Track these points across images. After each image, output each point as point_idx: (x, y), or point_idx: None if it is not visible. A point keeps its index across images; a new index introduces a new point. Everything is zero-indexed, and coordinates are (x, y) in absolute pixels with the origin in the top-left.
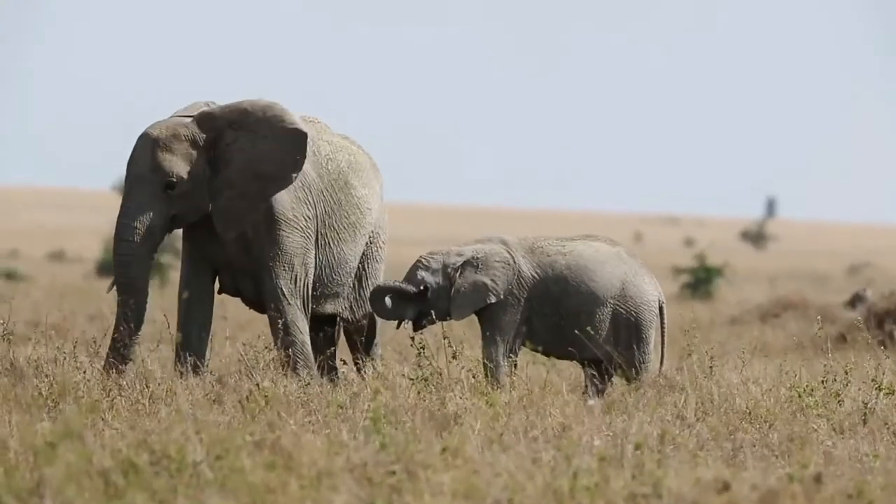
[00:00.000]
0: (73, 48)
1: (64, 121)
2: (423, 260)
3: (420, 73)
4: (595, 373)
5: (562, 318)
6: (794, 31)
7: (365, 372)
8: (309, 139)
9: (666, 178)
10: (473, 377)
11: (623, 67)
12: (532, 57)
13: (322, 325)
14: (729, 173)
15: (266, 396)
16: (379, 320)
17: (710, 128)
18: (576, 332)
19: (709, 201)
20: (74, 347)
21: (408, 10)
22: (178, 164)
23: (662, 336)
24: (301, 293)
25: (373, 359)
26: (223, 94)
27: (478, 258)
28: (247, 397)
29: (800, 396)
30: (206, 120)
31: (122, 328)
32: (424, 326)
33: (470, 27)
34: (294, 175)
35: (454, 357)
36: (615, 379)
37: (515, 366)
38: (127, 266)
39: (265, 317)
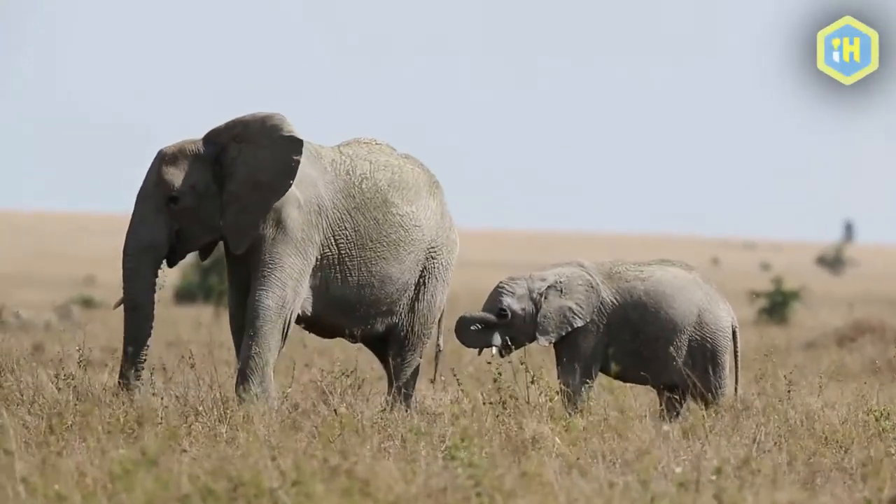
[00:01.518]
0: (138, 85)
1: (138, 148)
2: (505, 285)
3: (495, 100)
4: (671, 397)
5: (640, 344)
6: None
7: (399, 404)
8: (320, 168)
9: (743, 203)
10: (550, 401)
11: (698, 93)
12: (608, 81)
13: (376, 346)
14: (806, 198)
15: (342, 422)
16: (423, 361)
17: (788, 153)
18: (653, 357)
19: (785, 226)
20: (151, 374)
21: (484, 37)
22: (181, 179)
23: (736, 360)
24: (285, 316)
25: (405, 399)
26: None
27: (561, 282)
28: (323, 423)
29: (877, 420)
30: (211, 136)
31: (127, 347)
32: (509, 352)
33: (540, 55)
34: (290, 182)
35: (532, 382)
36: (691, 404)
37: (592, 391)
38: (129, 281)
39: (342, 343)
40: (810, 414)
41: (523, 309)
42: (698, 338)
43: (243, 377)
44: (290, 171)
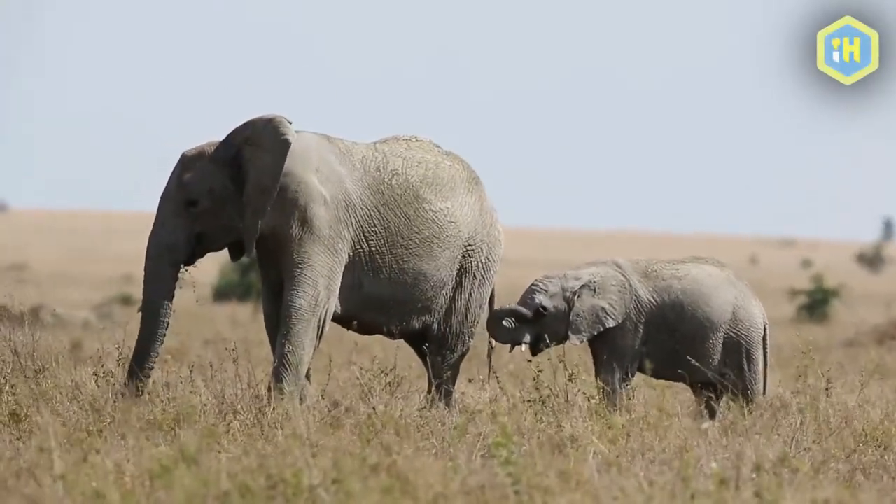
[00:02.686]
0: (174, 88)
1: (176, 147)
2: (539, 283)
3: (535, 98)
4: (709, 395)
5: (676, 342)
6: None
7: (438, 402)
8: (349, 166)
9: (782, 201)
10: (590, 400)
11: (736, 91)
12: (647, 81)
13: (418, 344)
14: (845, 196)
15: (382, 420)
16: (466, 355)
17: (827, 151)
18: (690, 355)
19: (825, 224)
20: (191, 372)
21: (533, 35)
22: (199, 182)
23: (765, 357)
24: (319, 314)
25: (445, 397)
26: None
27: (595, 282)
28: (363, 421)
29: None
30: (228, 137)
31: (137, 350)
32: (541, 350)
33: (583, 54)
34: (277, 184)
35: (570, 380)
36: (727, 402)
37: (630, 390)
38: (147, 283)
39: (382, 340)
40: (849, 411)
41: (556, 307)
42: (733, 335)
43: (277, 376)
44: (280, 174)
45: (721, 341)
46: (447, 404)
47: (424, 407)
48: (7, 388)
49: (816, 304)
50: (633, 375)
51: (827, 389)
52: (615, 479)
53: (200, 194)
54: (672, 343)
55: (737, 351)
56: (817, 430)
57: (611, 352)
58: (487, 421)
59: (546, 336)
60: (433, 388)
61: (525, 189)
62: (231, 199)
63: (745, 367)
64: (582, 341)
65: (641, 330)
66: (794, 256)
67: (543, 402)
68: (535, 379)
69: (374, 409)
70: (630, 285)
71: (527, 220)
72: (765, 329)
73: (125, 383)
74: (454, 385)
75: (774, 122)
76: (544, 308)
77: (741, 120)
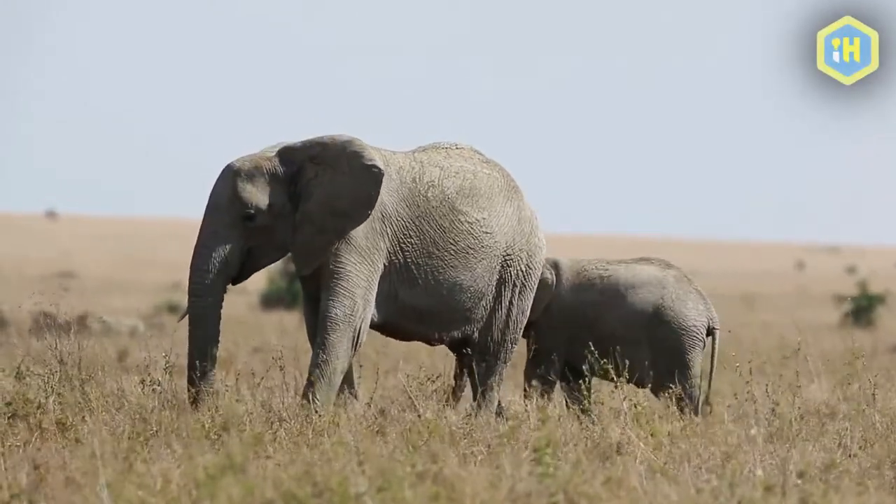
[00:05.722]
0: (213, 94)
1: (216, 153)
2: None
3: (590, 104)
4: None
5: (597, 341)
6: None
7: (483, 410)
8: (386, 176)
9: (828, 208)
10: (636, 406)
11: (784, 100)
12: (690, 86)
13: (460, 351)
14: (890, 202)
15: (429, 427)
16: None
17: (873, 159)
18: (611, 354)
19: (870, 231)
20: (237, 380)
21: (570, 41)
22: (258, 196)
23: (712, 361)
24: (355, 325)
25: (488, 405)
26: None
27: None
28: (409, 428)
29: None
30: (287, 154)
31: (192, 363)
32: None
33: (620, 60)
34: (368, 212)
35: (616, 387)
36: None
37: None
38: (197, 296)
39: (427, 348)
40: None
41: None
42: (659, 336)
43: (310, 385)
44: (370, 201)
45: (643, 342)
46: (492, 412)
47: (470, 414)
48: (53, 396)
49: (862, 309)
50: (559, 373)
51: (874, 395)
52: (661, 486)
53: (259, 209)
54: (592, 341)
55: (662, 352)
56: (864, 436)
57: (538, 350)
58: (534, 428)
59: None
60: (478, 396)
61: (571, 195)
62: (286, 217)
63: (674, 369)
64: None
65: (565, 328)
66: (840, 262)
67: (588, 411)
68: (581, 386)
69: (419, 416)
70: (553, 283)
71: (572, 227)
72: (712, 331)
73: (191, 397)
74: (499, 392)
75: (820, 130)
76: None
77: (791, 128)
